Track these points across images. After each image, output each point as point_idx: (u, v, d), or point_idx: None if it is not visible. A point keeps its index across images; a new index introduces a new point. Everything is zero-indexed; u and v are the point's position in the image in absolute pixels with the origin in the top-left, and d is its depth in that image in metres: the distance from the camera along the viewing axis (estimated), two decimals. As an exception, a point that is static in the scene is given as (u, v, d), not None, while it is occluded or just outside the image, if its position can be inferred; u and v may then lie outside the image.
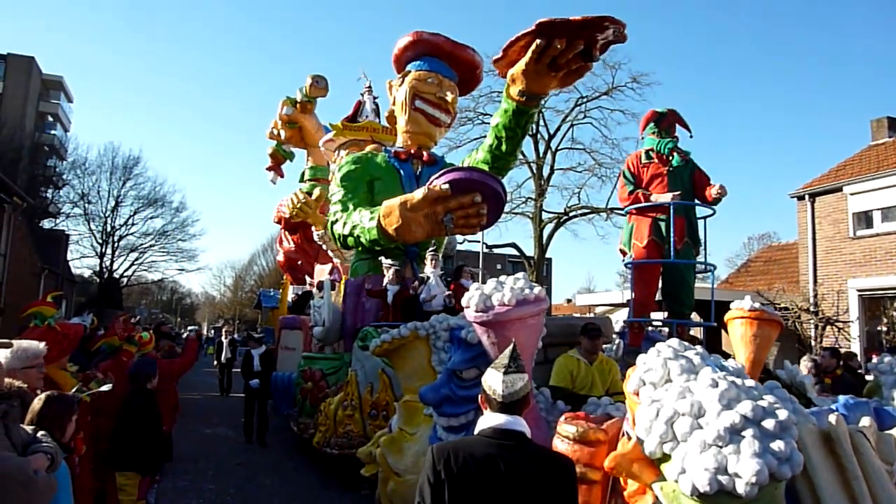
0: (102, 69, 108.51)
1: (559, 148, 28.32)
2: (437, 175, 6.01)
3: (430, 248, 8.10)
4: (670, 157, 6.55)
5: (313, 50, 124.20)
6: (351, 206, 8.03)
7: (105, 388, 4.87)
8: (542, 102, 7.33)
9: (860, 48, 78.44)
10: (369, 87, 12.34)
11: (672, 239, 6.19)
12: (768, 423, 2.10)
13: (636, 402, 2.65)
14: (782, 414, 2.12)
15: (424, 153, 8.88)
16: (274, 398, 10.89)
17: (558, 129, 28.14)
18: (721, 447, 2.07)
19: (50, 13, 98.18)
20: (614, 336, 6.72)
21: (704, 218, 6.96)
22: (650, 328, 7.49)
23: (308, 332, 10.60)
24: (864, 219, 20.53)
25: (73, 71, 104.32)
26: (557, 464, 2.47)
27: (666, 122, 6.77)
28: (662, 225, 6.33)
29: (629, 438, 2.81)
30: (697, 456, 2.10)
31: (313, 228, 12.63)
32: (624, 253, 6.55)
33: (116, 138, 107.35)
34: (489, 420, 2.52)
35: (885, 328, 18.75)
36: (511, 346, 2.60)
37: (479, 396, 2.61)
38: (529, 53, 5.40)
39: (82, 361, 6.63)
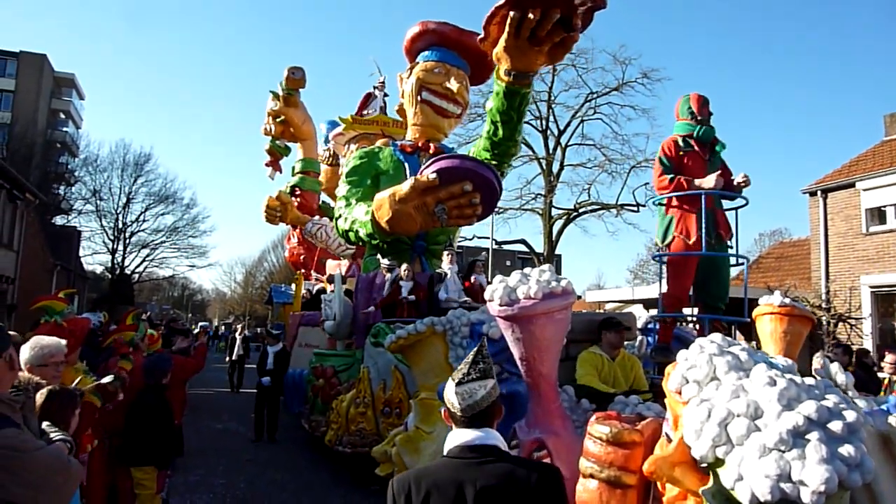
0: (114, 67, 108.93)
1: (569, 144, 28.10)
2: (426, 164, 5.76)
3: (446, 244, 7.90)
4: (713, 146, 6.23)
5: (326, 46, 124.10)
6: (353, 202, 7.87)
7: (105, 380, 4.74)
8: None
9: (873, 43, 77.62)
10: (382, 82, 12.12)
11: (713, 232, 5.89)
12: (835, 426, 1.88)
13: (679, 402, 2.44)
14: (850, 415, 1.91)
15: (432, 145, 8.67)
16: (285, 395, 10.72)
17: (568, 124, 27.91)
18: (783, 452, 1.86)
19: (62, 11, 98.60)
20: (637, 332, 6.51)
21: (736, 209, 6.70)
22: (681, 324, 7.22)
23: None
24: (877, 215, 20.24)
25: (85, 68, 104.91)
26: (540, 477, 2.17)
27: (705, 109, 6.45)
28: (696, 217, 5.97)
29: (669, 440, 2.60)
30: (756, 461, 1.89)
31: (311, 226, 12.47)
32: (658, 247, 6.21)
33: (128, 135, 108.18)
34: (454, 437, 2.24)
35: (897, 324, 18.47)
36: (475, 349, 2.32)
37: (443, 412, 2.36)
38: (507, 28, 5.16)
39: (90, 357, 6.50)
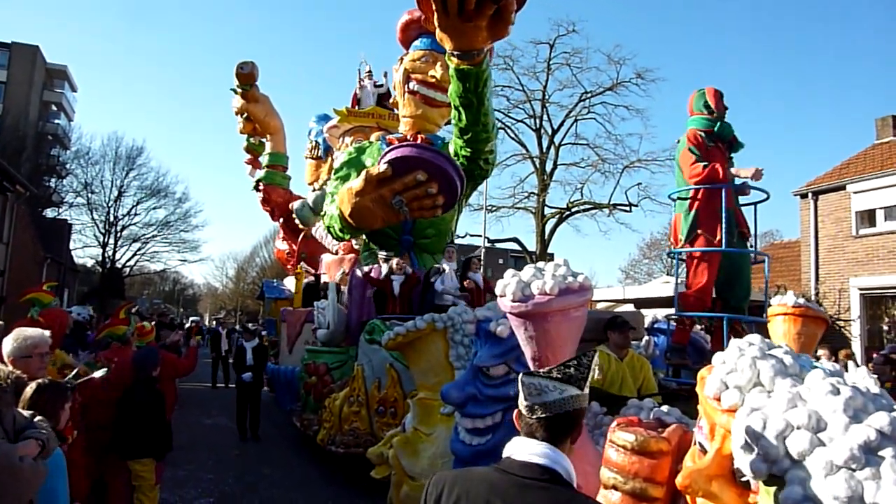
0: (107, 59, 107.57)
1: (562, 143, 27.93)
2: (381, 154, 5.43)
3: (448, 242, 7.64)
4: (731, 144, 5.95)
5: (321, 40, 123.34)
6: (335, 198, 7.63)
7: (98, 373, 4.64)
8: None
9: (865, 46, 77.76)
10: (369, 72, 11.78)
11: (735, 230, 5.61)
12: (912, 442, 1.64)
13: (717, 409, 2.18)
14: (927, 430, 1.66)
15: (420, 137, 8.36)
16: (276, 392, 10.42)
17: (562, 124, 27.75)
18: (854, 470, 1.61)
19: (55, 2, 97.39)
20: (644, 332, 6.25)
21: (755, 203, 6.42)
22: (662, 321, 6.95)
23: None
24: (868, 217, 20.19)
25: (78, 60, 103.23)
26: None
27: (722, 105, 6.15)
28: (720, 214, 5.65)
29: (703, 451, 2.34)
30: (823, 480, 1.64)
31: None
32: (678, 243, 5.86)
33: (120, 128, 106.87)
34: (511, 446, 1.81)
35: (886, 327, 18.38)
36: (578, 354, 1.95)
37: (515, 412, 1.93)
38: (433, 6, 4.85)
39: (73, 348, 6.52)
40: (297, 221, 12.68)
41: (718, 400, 2.17)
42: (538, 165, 27.50)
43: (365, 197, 4.95)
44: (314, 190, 14.35)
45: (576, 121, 27.75)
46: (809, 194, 20.64)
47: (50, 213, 36.61)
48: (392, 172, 4.61)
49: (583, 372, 1.91)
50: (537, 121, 27.71)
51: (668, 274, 30.60)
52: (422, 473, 4.36)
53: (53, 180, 38.16)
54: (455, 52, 5.58)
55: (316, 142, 13.83)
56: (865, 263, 19.79)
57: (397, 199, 4.72)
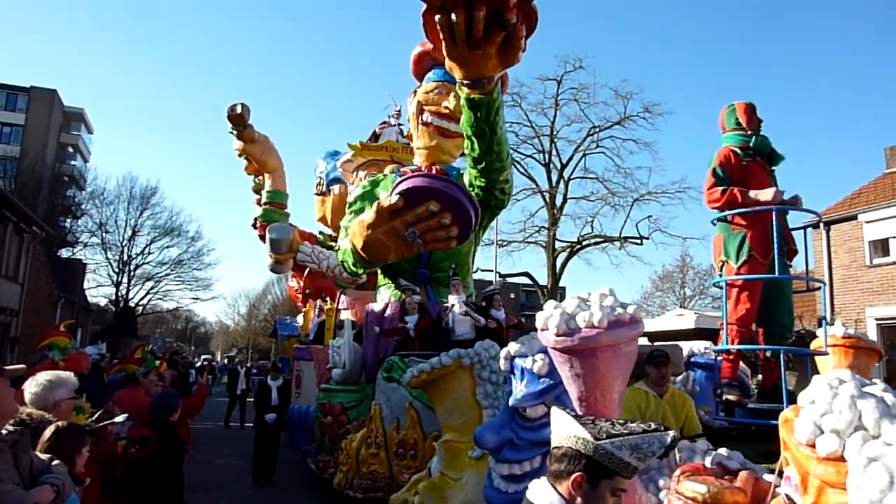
0: (122, 101, 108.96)
1: (572, 177, 27.79)
2: (393, 185, 5.28)
3: (451, 275, 7.32)
4: (771, 158, 5.63)
5: (334, 80, 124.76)
6: (349, 232, 7.40)
7: (119, 418, 4.70)
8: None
9: (873, 75, 77.87)
10: (398, 111, 11.65)
11: (784, 251, 5.26)
12: None
13: (810, 457, 1.87)
14: None
15: (434, 168, 8.14)
16: (290, 432, 10.02)
17: (570, 158, 27.62)
18: None
19: (73, 47, 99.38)
20: (683, 367, 5.88)
21: (804, 228, 6.07)
22: (700, 354, 6.57)
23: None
24: (881, 247, 19.88)
25: (94, 103, 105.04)
26: None
27: (755, 118, 5.85)
28: (769, 234, 5.25)
29: (791, 506, 2.01)
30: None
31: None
32: (722, 266, 5.48)
33: (135, 168, 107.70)
34: None
35: (906, 357, 17.86)
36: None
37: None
38: (440, 35, 4.54)
39: (92, 389, 6.22)
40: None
41: (813, 447, 1.86)
42: (548, 199, 27.33)
43: (377, 230, 4.74)
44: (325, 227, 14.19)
45: (584, 155, 27.68)
46: (821, 224, 20.31)
47: (65, 252, 36.69)
48: (404, 203, 4.40)
49: None
50: (546, 155, 27.64)
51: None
52: (450, 523, 4.02)
53: (69, 220, 38.34)
54: (465, 82, 5.33)
55: (319, 178, 13.72)
56: (881, 293, 19.38)
57: (410, 231, 4.51)
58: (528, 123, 27.42)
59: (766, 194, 5.10)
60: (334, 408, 7.95)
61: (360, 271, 7.60)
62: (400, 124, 11.58)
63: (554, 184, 27.52)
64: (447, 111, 7.99)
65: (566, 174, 27.63)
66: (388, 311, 7.85)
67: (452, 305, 7.25)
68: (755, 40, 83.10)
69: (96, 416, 4.64)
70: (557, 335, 2.71)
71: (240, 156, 13.72)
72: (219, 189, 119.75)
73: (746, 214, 5.18)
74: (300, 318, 15.50)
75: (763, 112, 5.87)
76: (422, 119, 8.12)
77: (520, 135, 27.56)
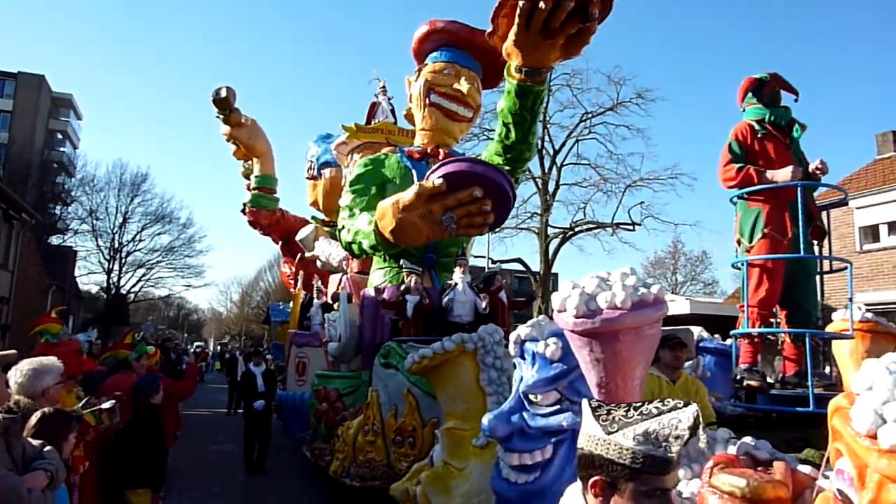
0: (111, 87, 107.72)
1: (564, 163, 27.53)
2: (432, 169, 5.16)
3: (459, 254, 7.08)
4: (791, 129, 5.41)
5: (325, 65, 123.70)
6: (357, 212, 7.15)
7: (107, 405, 4.59)
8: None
9: (865, 62, 77.86)
10: (383, 87, 11.34)
11: (807, 230, 5.03)
12: None
13: (871, 449, 1.67)
14: None
15: (441, 151, 7.92)
16: (284, 419, 9.82)
17: (563, 144, 27.35)
18: None
19: (61, 32, 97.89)
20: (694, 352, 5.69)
21: (828, 208, 5.87)
22: (709, 339, 6.35)
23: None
24: (871, 233, 19.84)
25: (83, 89, 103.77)
26: None
27: (769, 90, 5.55)
28: (790, 211, 5.00)
29: (844, 500, 1.81)
30: None
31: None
32: (739, 244, 5.25)
33: (125, 155, 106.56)
34: None
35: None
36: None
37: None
38: (517, 20, 4.56)
39: (85, 377, 6.15)
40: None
41: (873, 438, 1.67)
42: (540, 186, 27.09)
43: (413, 212, 4.64)
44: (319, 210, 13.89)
45: (577, 141, 27.43)
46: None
47: (55, 240, 36.23)
48: (447, 187, 4.30)
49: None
50: (539, 141, 27.35)
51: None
52: (455, 514, 3.82)
53: (58, 207, 37.82)
54: (524, 69, 5.33)
55: (311, 162, 13.41)
56: (871, 279, 19.36)
57: (448, 216, 4.39)
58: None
59: (782, 174, 4.87)
60: (330, 394, 7.73)
61: (377, 254, 7.41)
62: (390, 97, 11.26)
63: (546, 170, 27.27)
64: (458, 94, 7.76)
65: (559, 160, 27.39)
66: (386, 295, 7.61)
67: (456, 284, 7.00)
68: (748, 27, 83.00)
69: (84, 401, 4.57)
70: (577, 317, 2.50)
71: (227, 140, 13.41)
72: (210, 176, 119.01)
73: (771, 190, 4.96)
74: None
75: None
76: (430, 100, 7.85)
77: (512, 121, 27.23)
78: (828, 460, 1.98)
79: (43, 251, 29.31)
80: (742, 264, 4.93)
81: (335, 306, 8.66)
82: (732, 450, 2.89)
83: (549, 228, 26.84)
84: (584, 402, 1.76)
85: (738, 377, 4.69)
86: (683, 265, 36.95)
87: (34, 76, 44.97)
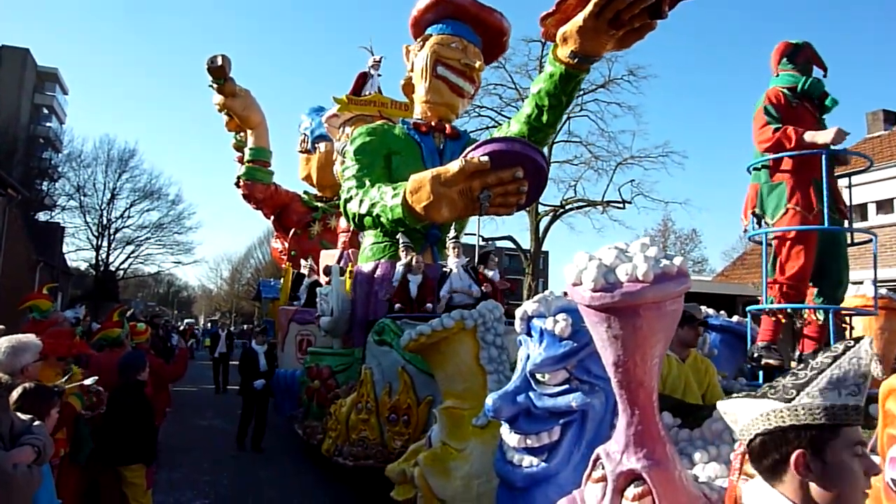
0: (98, 62, 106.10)
1: (556, 141, 27.20)
2: (473, 146, 5.07)
3: (451, 236, 6.92)
4: (822, 100, 5.17)
5: (314, 33, 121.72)
6: (367, 182, 6.93)
7: (89, 381, 4.61)
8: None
9: (856, 41, 77.64)
10: (378, 61, 10.98)
11: (833, 204, 4.80)
12: None
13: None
14: None
15: (447, 126, 7.69)
16: (276, 397, 9.63)
17: (555, 122, 27.02)
18: None
19: (45, 5, 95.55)
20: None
21: (850, 174, 5.70)
22: (715, 315, 6.17)
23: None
24: (860, 211, 19.74)
25: (69, 63, 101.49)
26: None
27: (803, 57, 5.31)
28: (815, 185, 4.75)
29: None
30: None
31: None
32: (758, 219, 5.00)
33: (112, 131, 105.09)
34: None
35: (881, 321, 17.75)
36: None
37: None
38: (590, 6, 4.58)
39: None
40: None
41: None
42: (532, 163, 26.84)
43: (453, 188, 4.57)
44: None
45: (568, 118, 27.03)
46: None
47: (42, 216, 35.60)
48: (490, 166, 4.24)
49: None
50: (530, 119, 27.03)
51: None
52: (455, 496, 3.65)
53: (45, 183, 37.09)
54: (577, 55, 5.35)
55: (304, 135, 13.04)
56: (857, 257, 19.31)
57: (485, 194, 4.37)
58: (512, 85, 26.69)
59: (825, 135, 4.59)
60: (322, 371, 7.55)
61: (400, 229, 7.23)
62: (379, 74, 10.92)
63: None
64: (466, 69, 7.51)
65: (550, 138, 27.10)
66: (379, 272, 7.39)
67: (451, 270, 6.78)
68: (740, 6, 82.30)
69: (66, 377, 4.51)
70: (594, 291, 2.28)
71: (220, 111, 13.02)
72: (199, 153, 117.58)
73: (792, 161, 4.74)
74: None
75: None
76: (437, 72, 7.57)
77: (504, 97, 26.90)
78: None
79: (30, 227, 28.76)
80: (763, 237, 4.71)
81: (324, 281, 8.45)
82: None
83: (539, 206, 26.63)
84: (723, 403, 1.66)
85: (756, 355, 4.51)
86: (673, 243, 36.86)
87: (19, 50, 43.83)
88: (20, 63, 43.38)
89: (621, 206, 26.42)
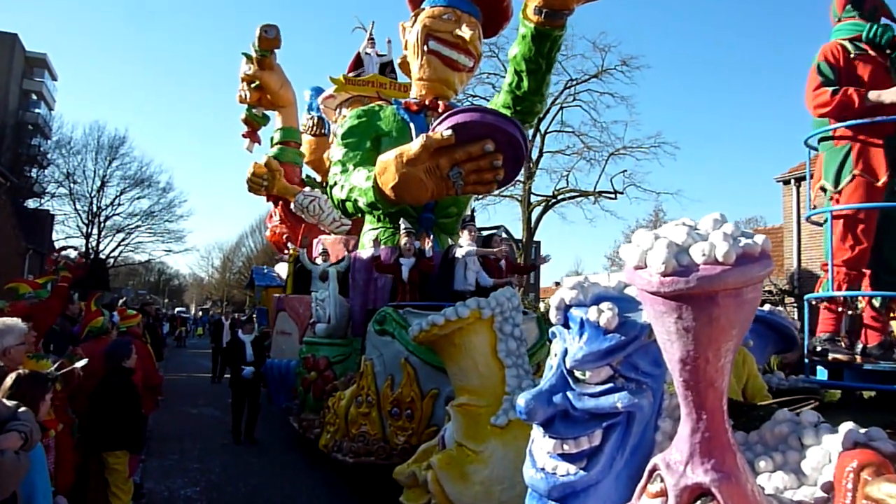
0: (87, 47, 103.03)
1: (548, 131, 26.96)
2: (438, 119, 4.61)
3: (465, 219, 6.49)
4: (892, 49, 4.72)
5: (305, 7, 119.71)
6: (351, 167, 6.50)
7: (79, 364, 4.47)
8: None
9: None
10: (371, 39, 10.45)
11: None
12: None
13: None
14: None
15: (441, 103, 7.21)
16: (269, 388, 9.20)
17: (547, 111, 26.62)
18: None
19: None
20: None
21: None
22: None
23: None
24: (849, 203, 19.59)
25: (58, 49, 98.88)
26: None
27: (869, 4, 4.91)
28: (885, 150, 4.27)
29: None
30: None
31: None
32: (824, 191, 4.56)
33: (102, 117, 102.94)
34: None
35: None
36: None
37: None
38: None
39: (60, 343, 6.18)
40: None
41: None
42: (524, 153, 26.49)
43: (418, 166, 4.17)
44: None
45: (561, 108, 26.78)
46: (792, 181, 20.18)
47: (31, 203, 34.82)
48: (455, 140, 3.78)
49: None
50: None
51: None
52: (474, 503, 3.25)
53: (35, 170, 36.28)
54: (544, 11, 5.04)
55: (319, 117, 12.30)
56: (847, 249, 19.23)
57: (455, 171, 3.92)
58: (504, 75, 26.32)
59: (891, 94, 4.13)
60: (319, 362, 7.13)
61: (375, 213, 6.79)
62: (379, 53, 10.39)
63: (530, 137, 26.63)
64: (459, 41, 7.04)
65: (542, 128, 26.71)
66: (383, 258, 6.97)
67: (465, 255, 6.32)
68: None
69: (57, 363, 4.30)
70: (664, 275, 1.88)
71: (245, 81, 12.33)
72: (190, 141, 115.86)
73: (861, 125, 4.25)
74: (279, 268, 14.47)
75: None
76: (428, 46, 7.11)
77: (497, 87, 26.46)
78: None
79: (19, 214, 28.12)
80: (826, 217, 4.25)
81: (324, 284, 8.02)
82: (830, 438, 2.34)
83: (531, 196, 26.37)
84: None
85: (819, 349, 4.08)
86: (664, 234, 36.65)
87: (7, 34, 42.52)
88: (8, 48, 42.14)
89: (613, 196, 26.18)
